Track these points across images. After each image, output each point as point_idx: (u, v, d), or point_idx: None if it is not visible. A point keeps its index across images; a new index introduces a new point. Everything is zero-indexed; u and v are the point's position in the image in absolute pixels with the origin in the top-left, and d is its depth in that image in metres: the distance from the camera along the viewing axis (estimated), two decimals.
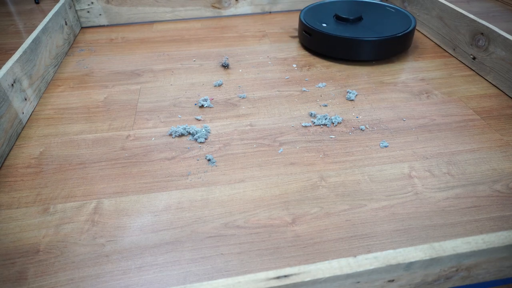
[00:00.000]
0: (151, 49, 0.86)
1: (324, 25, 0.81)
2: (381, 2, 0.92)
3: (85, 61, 0.82)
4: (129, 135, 0.60)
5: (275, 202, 0.48)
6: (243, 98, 0.69)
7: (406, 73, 0.76)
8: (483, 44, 0.72)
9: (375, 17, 0.85)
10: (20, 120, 0.62)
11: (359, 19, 0.83)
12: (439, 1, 0.84)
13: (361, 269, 0.30)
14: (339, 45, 0.78)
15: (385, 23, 0.82)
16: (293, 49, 0.86)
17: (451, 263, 0.32)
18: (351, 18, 0.82)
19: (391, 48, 0.78)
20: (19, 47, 0.70)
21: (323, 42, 0.79)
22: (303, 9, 0.90)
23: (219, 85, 0.72)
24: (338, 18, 0.84)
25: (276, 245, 0.43)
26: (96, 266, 0.41)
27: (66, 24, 0.88)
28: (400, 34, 0.77)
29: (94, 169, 0.54)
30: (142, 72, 0.77)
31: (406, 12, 0.86)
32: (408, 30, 0.78)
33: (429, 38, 0.89)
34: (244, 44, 0.88)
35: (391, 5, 0.89)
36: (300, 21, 0.84)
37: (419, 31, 0.93)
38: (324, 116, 0.62)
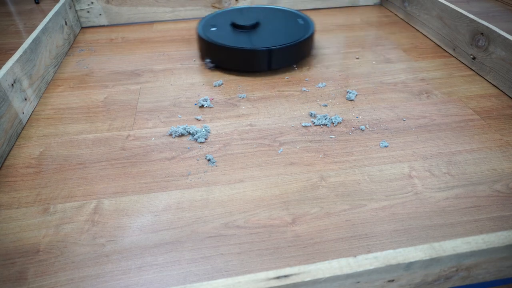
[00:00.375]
0: (151, 49, 0.86)
1: (213, 29, 0.77)
2: (286, 9, 0.88)
3: (85, 61, 0.82)
4: (129, 135, 0.60)
5: (275, 202, 0.48)
6: (243, 98, 0.69)
7: (406, 73, 0.76)
8: (483, 44, 0.72)
9: (274, 25, 0.81)
10: (20, 120, 0.62)
11: (255, 26, 0.79)
12: (439, 1, 0.84)
13: (361, 269, 0.30)
14: (222, 54, 0.74)
15: (281, 31, 0.78)
16: None
17: (451, 263, 0.32)
18: (246, 25, 0.78)
19: (276, 59, 0.73)
20: (19, 47, 0.70)
21: (207, 49, 0.76)
22: (204, 17, 0.85)
23: (219, 85, 0.72)
24: (235, 26, 0.80)
25: (276, 245, 0.43)
26: (96, 266, 0.41)
27: (66, 24, 0.88)
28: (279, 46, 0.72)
29: (94, 169, 0.54)
30: (142, 72, 0.77)
31: (308, 19, 0.83)
32: (300, 40, 0.74)
33: (429, 38, 0.89)
34: None
35: (300, 13, 0.85)
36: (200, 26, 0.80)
37: (419, 31, 0.93)
38: (324, 116, 0.62)
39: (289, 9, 0.88)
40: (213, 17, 0.84)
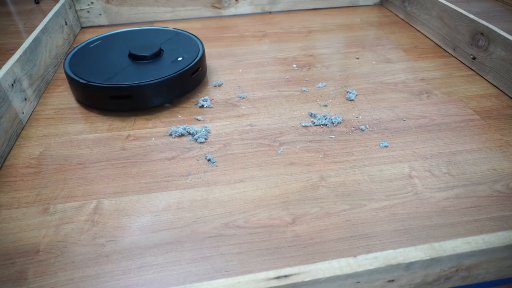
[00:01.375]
0: None
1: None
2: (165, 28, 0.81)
3: None
4: (129, 135, 0.60)
5: (275, 202, 0.48)
6: (243, 98, 0.69)
7: (406, 73, 0.76)
8: (483, 44, 0.72)
9: (172, 49, 0.72)
10: (20, 120, 0.62)
11: (159, 53, 0.69)
12: (439, 1, 0.84)
13: (361, 269, 0.30)
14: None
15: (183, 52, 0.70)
16: (293, 49, 0.86)
17: (451, 263, 0.32)
18: (148, 55, 0.68)
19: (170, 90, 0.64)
20: (19, 47, 0.70)
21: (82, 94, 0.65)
22: (69, 52, 0.71)
23: (219, 85, 0.72)
24: (134, 57, 0.68)
25: (276, 245, 0.43)
26: (96, 266, 0.41)
27: (66, 24, 0.88)
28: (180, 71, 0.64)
29: (94, 169, 0.54)
30: None
31: (192, 35, 0.76)
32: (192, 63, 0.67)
33: (429, 38, 0.89)
34: (244, 44, 0.88)
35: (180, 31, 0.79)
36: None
37: (419, 31, 0.93)
38: (324, 116, 0.62)
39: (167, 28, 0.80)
40: (74, 57, 0.70)
